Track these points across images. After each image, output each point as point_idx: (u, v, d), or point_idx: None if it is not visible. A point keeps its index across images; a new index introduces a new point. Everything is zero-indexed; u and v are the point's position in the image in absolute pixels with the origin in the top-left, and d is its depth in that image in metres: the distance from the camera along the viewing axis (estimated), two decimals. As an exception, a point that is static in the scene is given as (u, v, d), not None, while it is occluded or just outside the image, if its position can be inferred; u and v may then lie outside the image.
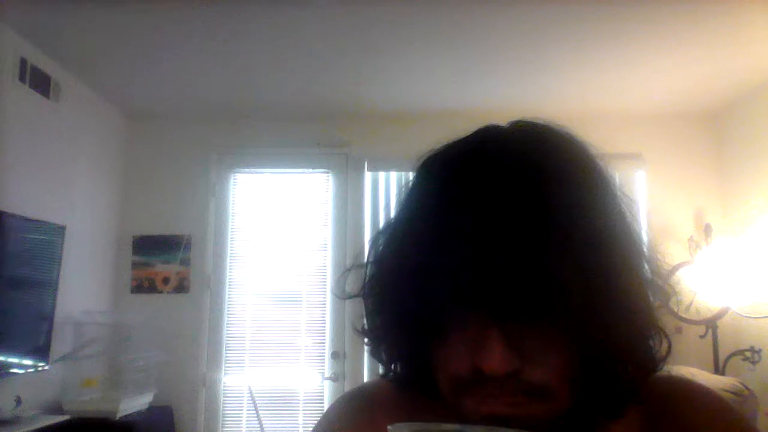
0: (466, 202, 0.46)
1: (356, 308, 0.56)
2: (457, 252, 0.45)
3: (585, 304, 0.44)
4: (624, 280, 0.47)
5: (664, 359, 0.52)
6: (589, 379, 0.48)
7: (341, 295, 0.60)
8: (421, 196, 0.51)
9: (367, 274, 0.54)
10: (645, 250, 0.51)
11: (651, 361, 0.51)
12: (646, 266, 0.51)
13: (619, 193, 0.52)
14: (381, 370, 0.58)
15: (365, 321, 0.55)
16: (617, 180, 0.53)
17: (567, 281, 0.43)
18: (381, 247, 0.54)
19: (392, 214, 0.54)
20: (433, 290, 0.46)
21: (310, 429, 0.60)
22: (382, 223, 0.55)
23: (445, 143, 0.53)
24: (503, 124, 0.54)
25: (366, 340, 0.56)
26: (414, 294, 0.48)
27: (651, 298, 0.51)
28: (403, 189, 0.54)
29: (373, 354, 0.57)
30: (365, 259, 0.55)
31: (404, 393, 0.58)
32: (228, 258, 3.50)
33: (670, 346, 0.52)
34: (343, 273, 0.60)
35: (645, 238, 0.52)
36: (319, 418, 0.62)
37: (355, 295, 0.55)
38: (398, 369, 0.57)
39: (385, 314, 0.53)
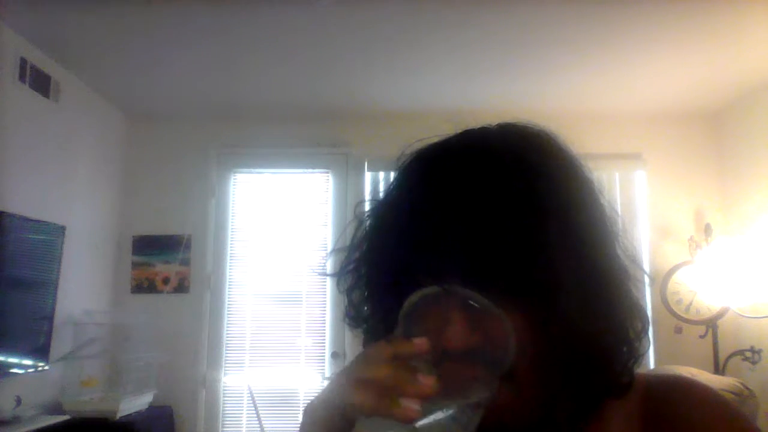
0: (441, 185, 0.49)
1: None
2: (428, 227, 0.48)
3: (550, 283, 0.46)
4: (594, 266, 0.48)
5: (639, 354, 0.52)
6: (556, 367, 0.48)
7: (324, 274, 0.63)
8: (401, 184, 0.54)
9: (348, 256, 0.56)
10: (621, 243, 0.52)
11: (627, 353, 0.51)
12: (621, 258, 0.52)
13: (596, 187, 0.53)
14: None
15: (346, 305, 0.58)
16: (596, 177, 0.55)
17: (533, 257, 0.45)
18: (361, 231, 0.56)
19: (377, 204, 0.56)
20: (405, 266, 0.49)
21: None
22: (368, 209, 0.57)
23: (425, 144, 0.56)
24: (487, 125, 0.56)
25: (347, 320, 0.58)
26: (388, 272, 0.51)
27: (629, 290, 0.52)
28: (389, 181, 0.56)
29: (366, 345, 0.58)
30: (346, 243, 0.57)
31: None
32: (228, 258, 3.50)
33: (648, 341, 0.53)
34: (326, 254, 0.63)
35: (625, 236, 0.53)
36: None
37: (334, 274, 0.57)
38: None
39: (365, 295, 0.56)
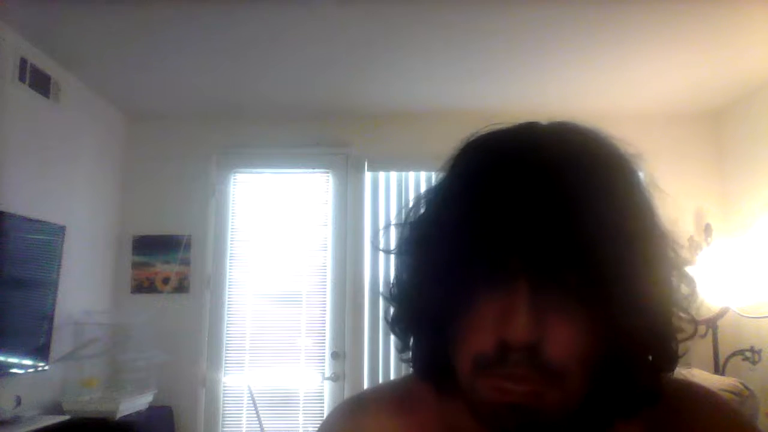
0: (507, 176, 0.48)
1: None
2: (494, 213, 0.46)
3: (610, 280, 0.45)
4: (651, 271, 0.48)
5: (677, 359, 0.51)
6: (606, 369, 0.48)
7: (380, 248, 0.62)
8: (465, 169, 0.52)
9: (406, 233, 0.55)
10: (672, 248, 0.52)
11: (669, 358, 0.51)
12: (672, 265, 0.51)
13: (648, 191, 0.53)
14: (398, 347, 0.58)
15: (393, 282, 0.56)
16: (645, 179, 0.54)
17: (597, 250, 0.45)
18: (422, 209, 0.55)
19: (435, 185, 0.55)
20: (470, 250, 0.47)
21: (310, 429, 0.60)
22: (426, 189, 0.56)
23: (489, 131, 0.55)
24: (543, 121, 0.55)
25: (390, 303, 0.57)
26: (449, 253, 0.49)
27: (674, 298, 0.51)
28: (447, 163, 0.55)
29: (392, 329, 0.57)
30: (403, 220, 0.56)
31: (402, 399, 0.58)
32: (228, 258, 3.49)
33: (684, 347, 0.52)
34: (382, 228, 0.62)
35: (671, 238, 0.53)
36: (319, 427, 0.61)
37: (392, 251, 0.56)
38: (416, 349, 0.57)
39: (417, 274, 0.54)
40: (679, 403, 0.53)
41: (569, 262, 0.45)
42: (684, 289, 0.52)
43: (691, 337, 0.51)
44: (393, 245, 0.57)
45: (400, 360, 0.58)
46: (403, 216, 0.56)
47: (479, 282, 0.48)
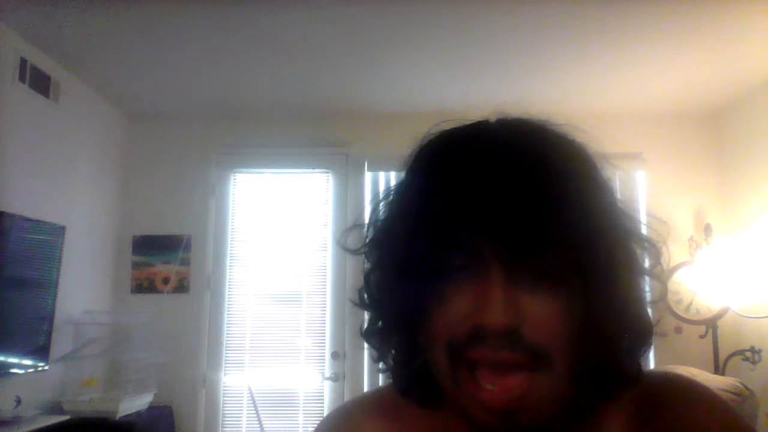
0: (471, 161, 0.47)
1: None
2: (460, 195, 0.46)
3: (583, 259, 0.45)
4: (618, 250, 0.48)
5: (652, 337, 0.52)
6: (587, 351, 0.48)
7: (345, 248, 0.59)
8: (428, 161, 0.52)
9: (370, 231, 0.55)
10: (636, 230, 0.52)
11: (645, 336, 0.51)
12: (638, 241, 0.52)
13: (606, 175, 0.53)
14: (375, 356, 0.57)
15: (362, 287, 0.55)
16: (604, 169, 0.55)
17: (569, 230, 0.44)
18: (384, 207, 0.54)
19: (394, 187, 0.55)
20: (438, 239, 0.46)
21: (310, 429, 0.60)
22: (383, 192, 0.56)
23: (443, 129, 0.54)
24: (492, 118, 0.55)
25: (359, 302, 0.55)
26: (416, 241, 0.48)
27: (644, 271, 0.52)
28: (406, 162, 0.55)
29: (367, 340, 0.56)
30: (367, 220, 0.56)
31: (389, 406, 0.58)
32: (228, 258, 3.49)
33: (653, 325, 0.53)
34: (346, 230, 0.62)
35: (638, 223, 0.53)
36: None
37: (358, 250, 0.55)
38: (394, 364, 0.56)
39: (386, 273, 0.53)
40: (674, 396, 0.53)
41: (542, 243, 0.44)
42: (650, 262, 0.52)
43: (661, 299, 0.52)
44: (359, 247, 0.56)
45: (378, 371, 0.57)
46: (366, 218, 0.56)
47: (451, 271, 0.47)
